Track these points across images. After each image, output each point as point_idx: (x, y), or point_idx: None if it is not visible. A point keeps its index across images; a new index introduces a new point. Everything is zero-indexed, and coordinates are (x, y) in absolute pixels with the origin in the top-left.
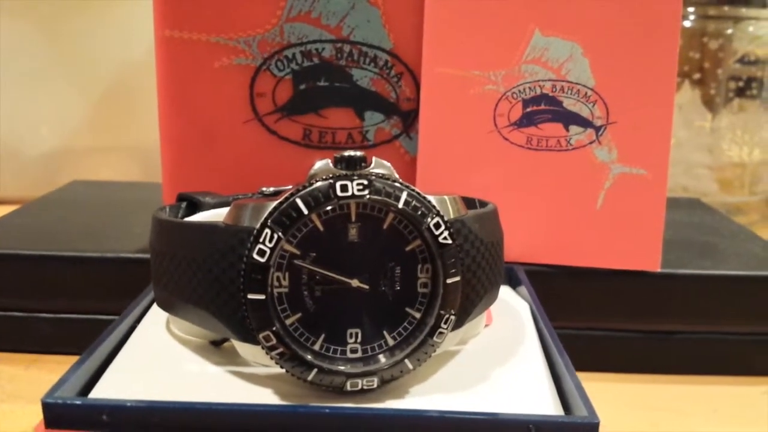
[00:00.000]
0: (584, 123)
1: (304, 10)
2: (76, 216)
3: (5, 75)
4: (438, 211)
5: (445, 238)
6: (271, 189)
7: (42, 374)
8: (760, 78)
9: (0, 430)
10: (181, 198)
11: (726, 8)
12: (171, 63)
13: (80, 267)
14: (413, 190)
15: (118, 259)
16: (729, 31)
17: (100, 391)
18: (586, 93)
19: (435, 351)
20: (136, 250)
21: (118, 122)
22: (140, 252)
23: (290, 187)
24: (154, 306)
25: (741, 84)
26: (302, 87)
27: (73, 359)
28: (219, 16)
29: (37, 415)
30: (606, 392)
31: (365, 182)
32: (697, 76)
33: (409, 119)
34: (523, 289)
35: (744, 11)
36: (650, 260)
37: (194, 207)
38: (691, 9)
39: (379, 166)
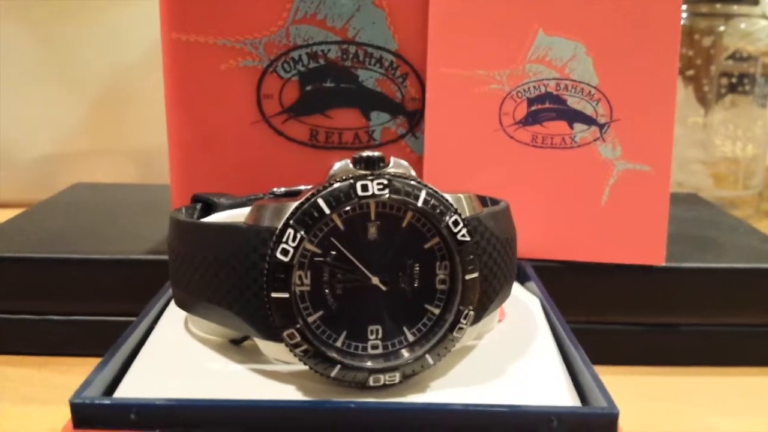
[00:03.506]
0: (588, 121)
1: (310, 12)
2: (83, 218)
3: (0, 79)
4: (456, 209)
5: (463, 236)
6: (282, 189)
7: (54, 376)
8: (751, 74)
9: None
10: (196, 199)
11: (717, 5)
12: (178, 66)
13: (90, 269)
14: (431, 189)
15: (128, 260)
16: (721, 28)
17: (124, 391)
18: (589, 91)
19: (454, 346)
20: (145, 252)
21: (113, 125)
22: (150, 253)
23: (302, 187)
24: (171, 305)
25: (733, 80)
26: (308, 88)
27: (85, 360)
28: (225, 19)
29: (54, 417)
30: (612, 384)
31: (385, 182)
32: (690, 72)
33: (414, 119)
34: (532, 284)
35: (735, 8)
36: (655, 254)
37: (209, 208)
38: (683, 6)
39: (398, 165)
